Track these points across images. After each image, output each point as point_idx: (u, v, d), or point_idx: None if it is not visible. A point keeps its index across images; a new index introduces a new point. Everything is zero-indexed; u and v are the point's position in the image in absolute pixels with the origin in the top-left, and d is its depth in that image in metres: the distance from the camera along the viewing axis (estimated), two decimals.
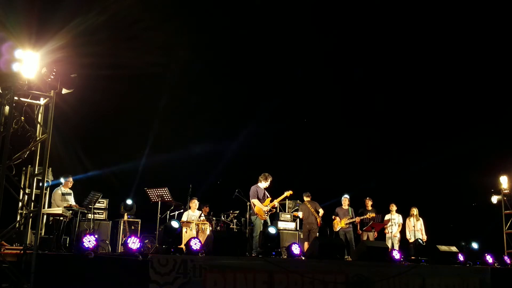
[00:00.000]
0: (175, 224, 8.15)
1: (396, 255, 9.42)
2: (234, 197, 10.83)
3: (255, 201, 9.89)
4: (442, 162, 15.68)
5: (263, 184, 10.11)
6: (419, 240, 11.81)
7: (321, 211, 11.67)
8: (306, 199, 11.94)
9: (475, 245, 10.96)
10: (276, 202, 10.23)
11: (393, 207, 12.67)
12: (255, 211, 9.89)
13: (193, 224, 10.63)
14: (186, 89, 14.12)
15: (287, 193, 10.61)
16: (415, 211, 12.61)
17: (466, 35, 15.27)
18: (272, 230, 8.84)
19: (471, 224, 14.66)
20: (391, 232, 12.34)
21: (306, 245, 10.97)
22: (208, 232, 10.47)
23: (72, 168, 11.32)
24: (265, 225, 9.74)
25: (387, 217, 12.54)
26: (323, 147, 15.60)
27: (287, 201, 12.72)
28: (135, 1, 11.83)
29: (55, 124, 7.25)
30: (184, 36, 13.35)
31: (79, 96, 8.64)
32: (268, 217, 9.96)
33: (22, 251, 6.79)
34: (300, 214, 11.86)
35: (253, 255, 9.17)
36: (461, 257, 10.06)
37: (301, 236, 11.85)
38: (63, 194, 9.84)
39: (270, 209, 9.95)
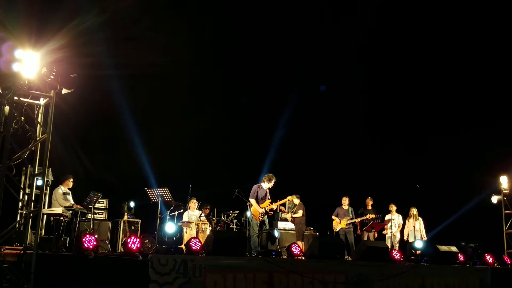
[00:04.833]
0: (170, 229, 8.14)
1: (396, 255, 9.42)
2: (234, 197, 10.82)
3: (252, 201, 9.80)
4: (442, 162, 15.69)
5: (266, 185, 9.95)
6: (419, 241, 11.81)
7: None
8: (298, 201, 11.97)
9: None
10: (275, 206, 10.13)
11: (393, 207, 12.68)
12: (251, 211, 9.85)
13: (193, 224, 10.63)
14: (186, 89, 14.10)
15: (290, 198, 10.60)
16: (414, 211, 12.61)
17: (467, 34, 15.27)
18: (275, 233, 8.88)
19: (470, 224, 14.65)
20: (391, 232, 12.35)
21: (300, 244, 10.92)
22: (208, 232, 10.47)
23: (72, 168, 11.31)
24: (262, 226, 9.66)
25: (387, 217, 12.55)
26: (322, 148, 15.59)
27: (287, 202, 12.71)
28: (135, 1, 11.82)
29: (55, 124, 7.25)
30: (184, 36, 13.33)
31: (79, 96, 8.64)
32: (266, 218, 9.86)
33: (22, 251, 6.80)
34: (300, 212, 11.91)
35: (253, 255, 9.15)
36: (461, 257, 10.07)
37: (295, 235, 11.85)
38: (64, 194, 9.83)
39: (267, 211, 9.78)
